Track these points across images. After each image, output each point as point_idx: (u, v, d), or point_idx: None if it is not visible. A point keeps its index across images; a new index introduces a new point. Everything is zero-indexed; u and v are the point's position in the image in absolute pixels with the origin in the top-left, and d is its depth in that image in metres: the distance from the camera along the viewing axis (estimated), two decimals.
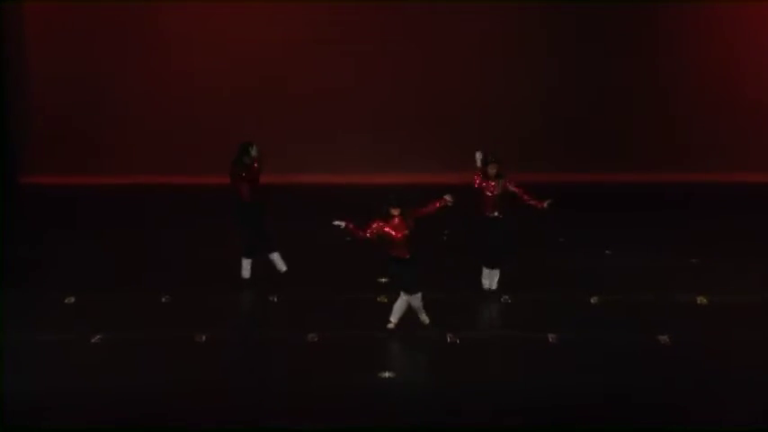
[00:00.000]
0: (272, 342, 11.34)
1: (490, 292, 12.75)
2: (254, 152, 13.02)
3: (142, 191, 19.29)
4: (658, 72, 20.35)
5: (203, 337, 11.33)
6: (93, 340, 11.21)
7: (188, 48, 20.49)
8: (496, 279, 12.83)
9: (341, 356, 10.97)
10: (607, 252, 14.91)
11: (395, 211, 11.07)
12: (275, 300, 12.79)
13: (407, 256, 11.16)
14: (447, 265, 14.01)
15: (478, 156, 12.55)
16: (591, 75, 20.20)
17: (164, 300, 12.64)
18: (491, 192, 12.47)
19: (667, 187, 19.05)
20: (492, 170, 12.49)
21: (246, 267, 13.15)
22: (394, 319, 11.38)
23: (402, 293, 11.27)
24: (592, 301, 12.58)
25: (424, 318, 11.46)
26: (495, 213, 12.53)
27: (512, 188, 12.44)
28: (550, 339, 11.28)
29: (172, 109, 20.60)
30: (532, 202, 12.41)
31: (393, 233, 11.11)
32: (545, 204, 12.38)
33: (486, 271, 12.84)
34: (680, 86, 20.39)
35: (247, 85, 20.40)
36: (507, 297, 12.76)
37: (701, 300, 12.61)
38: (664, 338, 11.23)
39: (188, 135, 20.43)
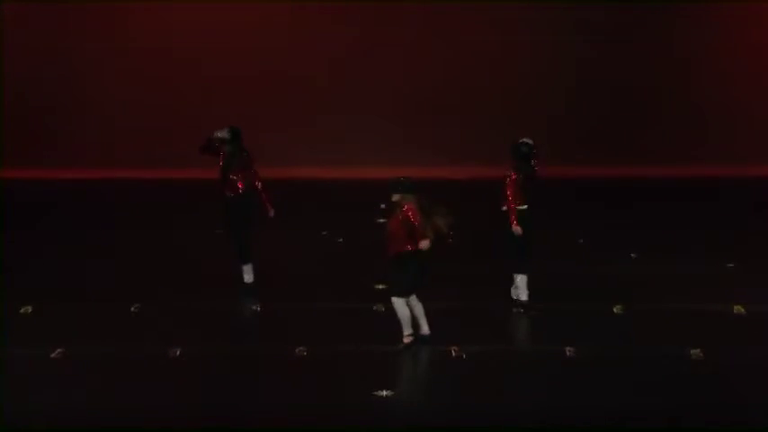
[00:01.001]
0: (254, 357, 11.21)
1: (511, 301, 12.63)
2: (217, 133, 12.83)
3: (111, 186, 19.26)
4: (688, 64, 20.55)
5: (177, 352, 11.22)
6: (52, 355, 11.18)
7: (167, 37, 20.62)
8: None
9: (333, 373, 10.84)
10: (632, 255, 14.88)
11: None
12: (259, 309, 12.69)
13: (415, 249, 11.03)
14: (452, 271, 13.96)
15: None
16: (616, 68, 20.35)
17: (133, 309, 12.56)
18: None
19: (700, 182, 19.04)
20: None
21: (248, 271, 13.05)
22: (407, 330, 11.35)
23: (399, 297, 11.21)
24: (615, 310, 12.51)
25: (426, 327, 11.41)
26: (504, 208, 12.48)
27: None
28: (568, 353, 11.17)
29: (147, 100, 20.69)
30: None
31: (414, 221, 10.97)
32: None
33: (518, 277, 12.73)
34: (713, 79, 20.54)
35: (240, 75, 20.51)
36: (519, 306, 12.72)
37: (738, 309, 12.55)
38: (696, 353, 11.12)
39: (170, 127, 20.49)
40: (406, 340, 11.21)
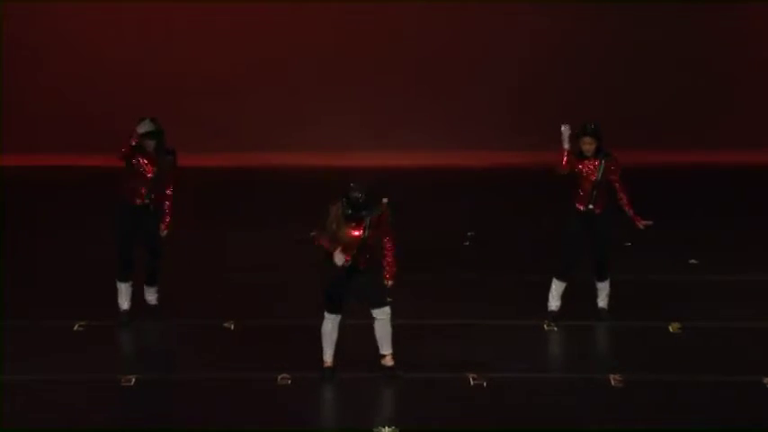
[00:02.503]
0: (228, 385, 11.09)
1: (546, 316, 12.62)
2: (141, 128, 12.17)
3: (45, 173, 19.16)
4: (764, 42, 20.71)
5: (132, 380, 11.05)
6: None
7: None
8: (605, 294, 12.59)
9: (324, 404, 10.82)
10: (692, 262, 14.73)
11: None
12: (232, 327, 12.53)
13: (362, 266, 11.00)
14: (469, 280, 13.82)
15: (566, 129, 12.15)
16: (684, 42, 20.40)
17: (77, 328, 12.43)
18: (587, 176, 12.19)
19: None
20: (587, 145, 12.19)
21: (126, 294, 12.69)
22: (329, 356, 11.24)
23: (329, 314, 11.16)
24: (670, 329, 12.41)
25: (388, 351, 11.26)
26: (590, 206, 12.31)
27: (614, 182, 12.20)
28: (613, 382, 11.05)
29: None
30: (631, 213, 12.36)
31: (352, 231, 10.91)
32: (642, 224, 12.19)
33: (556, 285, 12.57)
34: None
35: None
36: (554, 324, 12.54)
37: None
38: None
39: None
40: (325, 365, 11.26)
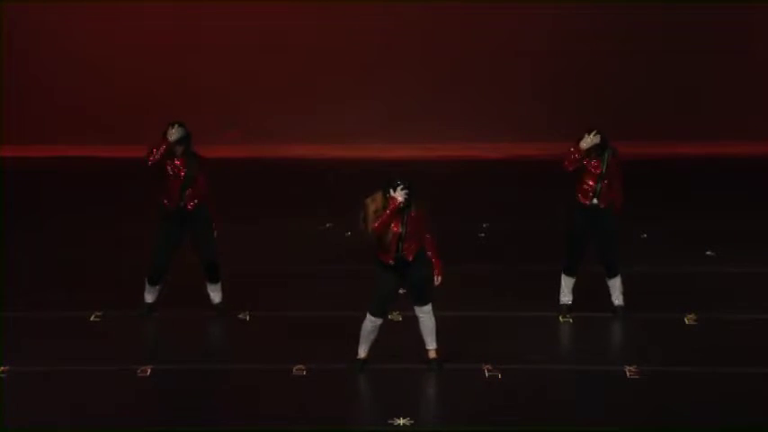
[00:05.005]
0: (242, 376, 11.20)
1: (561, 310, 12.66)
2: (172, 134, 12.19)
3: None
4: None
5: (148, 371, 11.17)
6: None
7: None
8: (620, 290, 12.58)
9: (337, 395, 10.81)
10: (708, 253, 14.76)
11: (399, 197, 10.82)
12: (247, 318, 12.62)
13: (410, 258, 11.01)
14: (484, 274, 13.86)
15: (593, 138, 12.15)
16: (701, 32, 20.35)
17: (93, 318, 12.53)
18: (592, 170, 12.23)
19: None
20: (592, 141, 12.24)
21: (153, 291, 12.73)
22: (363, 350, 11.25)
23: (370, 315, 11.12)
24: (686, 320, 12.44)
25: (433, 346, 11.39)
26: (595, 201, 12.36)
27: (615, 175, 12.29)
28: (628, 374, 11.09)
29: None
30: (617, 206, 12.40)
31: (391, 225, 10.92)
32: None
33: (565, 281, 12.67)
34: None
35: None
36: (568, 316, 12.62)
37: None
38: None
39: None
40: (359, 356, 11.27)
